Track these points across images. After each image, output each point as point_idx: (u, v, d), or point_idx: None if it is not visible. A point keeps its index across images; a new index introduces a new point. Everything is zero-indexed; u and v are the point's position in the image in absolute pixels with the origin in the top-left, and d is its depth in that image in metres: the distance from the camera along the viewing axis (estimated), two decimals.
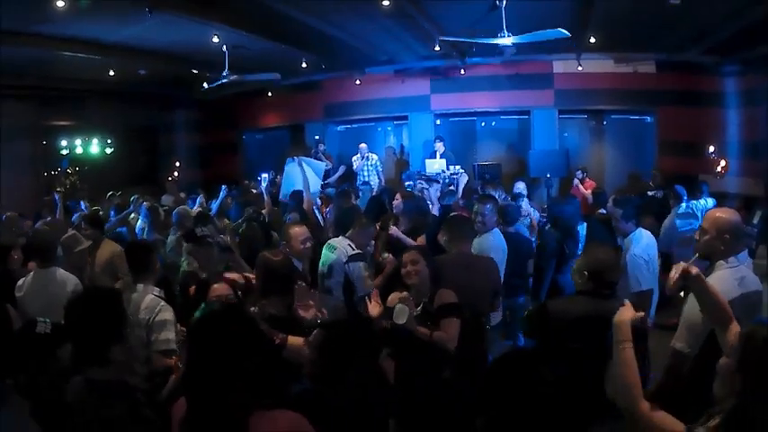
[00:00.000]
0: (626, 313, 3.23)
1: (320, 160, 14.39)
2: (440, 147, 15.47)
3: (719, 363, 2.76)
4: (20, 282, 5.80)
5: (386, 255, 7.22)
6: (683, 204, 9.38)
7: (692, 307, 3.91)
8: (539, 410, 2.51)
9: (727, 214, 4.34)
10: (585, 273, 4.56)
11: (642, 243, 6.30)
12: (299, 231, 6.24)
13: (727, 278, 4.13)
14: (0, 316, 3.81)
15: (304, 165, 10.51)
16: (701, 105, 14.96)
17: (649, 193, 12.10)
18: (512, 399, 2.57)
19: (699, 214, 8.99)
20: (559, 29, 9.14)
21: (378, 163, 16.04)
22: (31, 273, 5.86)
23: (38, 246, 6.04)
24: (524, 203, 10.02)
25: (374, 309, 4.68)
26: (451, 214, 7.99)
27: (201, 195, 12.15)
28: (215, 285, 4.99)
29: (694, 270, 3.44)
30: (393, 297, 4.93)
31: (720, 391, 2.70)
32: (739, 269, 4.22)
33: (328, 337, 3.75)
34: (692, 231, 6.67)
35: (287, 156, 12.87)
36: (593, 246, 5.17)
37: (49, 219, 10.22)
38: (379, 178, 15.78)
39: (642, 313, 3.35)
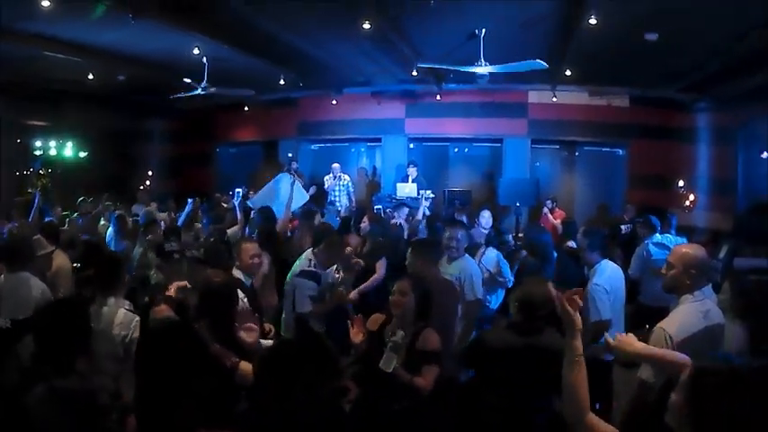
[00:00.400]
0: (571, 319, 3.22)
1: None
2: (412, 172, 15.57)
3: (671, 398, 2.79)
4: None
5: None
6: (657, 235, 9.51)
7: (655, 340, 4.03)
8: None
9: (693, 250, 4.45)
10: (516, 305, 4.70)
11: (605, 274, 6.36)
12: (249, 247, 6.21)
13: (692, 312, 4.25)
14: None
15: (295, 187, 10.53)
16: (672, 140, 15.30)
17: (621, 227, 12.23)
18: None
19: (671, 247, 9.12)
20: (537, 60, 9.33)
21: (349, 184, 16.07)
22: (1, 276, 5.83)
23: (9, 249, 6.00)
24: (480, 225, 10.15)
25: (356, 335, 4.68)
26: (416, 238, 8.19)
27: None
28: (156, 308, 4.76)
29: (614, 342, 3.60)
30: (374, 319, 5.03)
31: (672, 422, 2.76)
32: (704, 302, 4.35)
33: (271, 353, 3.57)
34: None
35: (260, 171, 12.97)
36: (528, 279, 5.30)
37: (17, 222, 10.06)
38: (349, 199, 15.80)
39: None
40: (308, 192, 12.42)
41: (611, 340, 3.59)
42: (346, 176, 16.18)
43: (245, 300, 5.39)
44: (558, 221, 14.17)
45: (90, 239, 9.35)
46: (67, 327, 3.36)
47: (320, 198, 15.04)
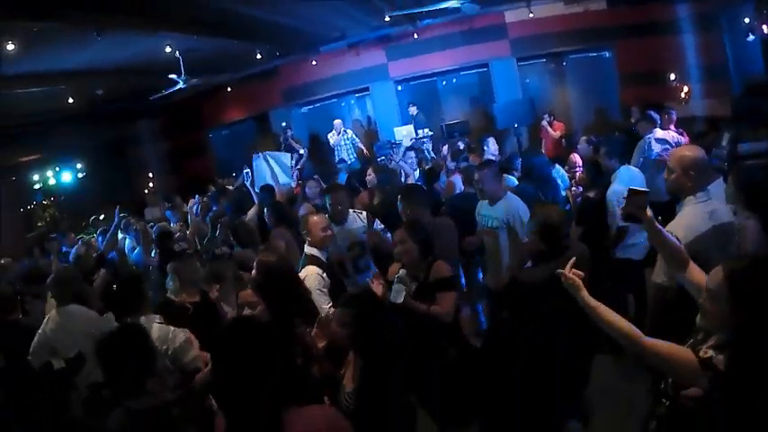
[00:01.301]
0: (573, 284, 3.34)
1: (290, 146, 14.45)
2: (413, 110, 15.80)
3: (700, 301, 2.93)
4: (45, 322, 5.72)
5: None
6: (658, 130, 9.47)
7: None
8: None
9: (690, 151, 4.46)
10: (536, 235, 4.73)
11: (624, 180, 6.42)
12: (317, 220, 5.93)
13: (697, 213, 4.28)
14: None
15: (269, 159, 10.54)
16: (657, 35, 15.03)
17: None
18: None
19: (672, 143, 9.10)
20: None
21: (354, 137, 16.15)
22: (53, 312, 5.79)
23: (62, 284, 5.92)
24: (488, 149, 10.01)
25: (378, 288, 4.76)
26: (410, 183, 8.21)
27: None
28: (242, 292, 5.04)
29: (647, 215, 3.59)
30: (392, 269, 5.15)
31: (703, 323, 2.90)
32: (709, 203, 4.36)
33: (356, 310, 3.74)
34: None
35: (252, 150, 12.96)
36: (540, 206, 5.26)
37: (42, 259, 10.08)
38: (355, 151, 15.94)
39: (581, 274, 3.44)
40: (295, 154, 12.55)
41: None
42: (349, 131, 16.27)
43: (324, 275, 5.36)
44: (558, 134, 14.17)
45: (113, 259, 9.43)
46: (133, 350, 3.41)
47: (322, 159, 15.00)
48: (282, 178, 10.78)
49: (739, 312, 2.67)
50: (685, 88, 14.02)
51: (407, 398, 3.54)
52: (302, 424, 2.62)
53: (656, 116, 9.79)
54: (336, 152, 15.85)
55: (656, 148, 9.02)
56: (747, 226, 4.37)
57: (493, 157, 10.26)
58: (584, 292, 3.24)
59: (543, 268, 4.45)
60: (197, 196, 10.96)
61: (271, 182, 10.14)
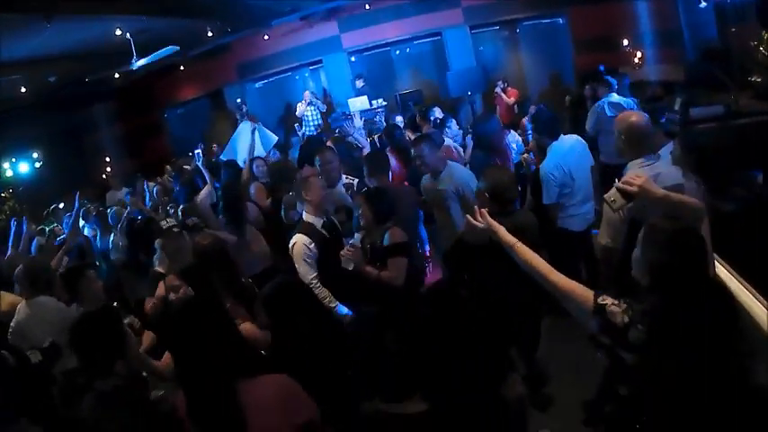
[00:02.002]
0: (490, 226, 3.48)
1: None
2: (359, 83, 15.88)
3: (633, 253, 3.12)
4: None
5: None
6: (614, 94, 9.56)
7: (607, 208, 4.22)
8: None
9: (632, 117, 4.77)
10: (486, 194, 4.86)
11: (555, 156, 6.48)
12: (319, 182, 6.03)
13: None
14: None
15: (257, 132, 10.53)
16: (609, 1, 15.10)
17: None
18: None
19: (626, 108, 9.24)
20: None
21: (320, 104, 16.46)
22: (22, 303, 5.85)
23: (31, 277, 5.94)
24: (451, 129, 10.01)
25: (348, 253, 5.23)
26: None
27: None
28: (168, 276, 5.19)
29: (638, 180, 3.62)
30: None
31: (636, 275, 3.08)
32: (654, 166, 4.61)
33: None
34: None
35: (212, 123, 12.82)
36: (491, 168, 5.42)
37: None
38: (320, 121, 16.21)
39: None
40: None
41: (635, 182, 3.62)
42: (318, 100, 16.52)
43: (312, 246, 5.49)
44: (512, 100, 14.32)
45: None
46: (104, 331, 3.53)
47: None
48: (259, 149, 10.74)
49: (652, 269, 2.91)
50: (639, 54, 14.17)
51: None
52: (256, 392, 2.79)
53: (613, 81, 9.91)
54: (303, 122, 16.12)
55: (610, 112, 9.16)
56: (689, 188, 4.57)
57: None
58: (502, 231, 3.38)
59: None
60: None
61: (243, 153, 10.12)
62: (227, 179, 9.37)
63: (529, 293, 4.16)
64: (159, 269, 6.18)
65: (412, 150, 7.11)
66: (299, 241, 5.48)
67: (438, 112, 10.93)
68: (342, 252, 5.24)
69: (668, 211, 3.44)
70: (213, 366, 2.77)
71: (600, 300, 2.90)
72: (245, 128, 11.21)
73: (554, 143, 6.58)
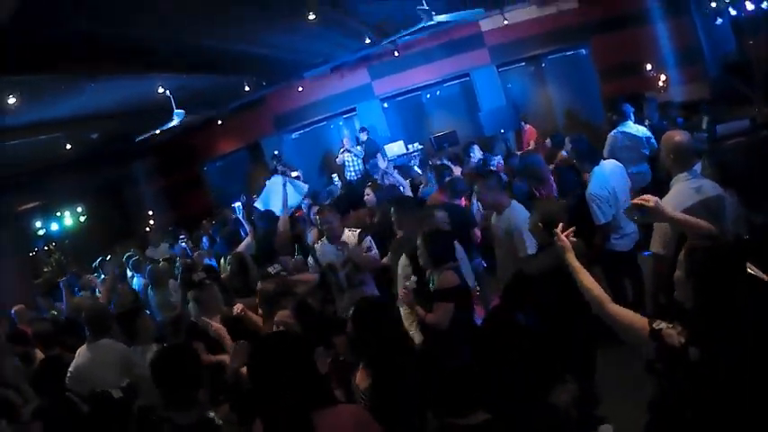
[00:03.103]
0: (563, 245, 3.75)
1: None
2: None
3: (675, 275, 3.21)
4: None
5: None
6: (629, 122, 9.63)
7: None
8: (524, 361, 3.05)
9: (675, 136, 4.99)
10: (540, 225, 4.97)
11: (598, 179, 6.68)
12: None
13: (684, 189, 4.75)
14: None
15: (288, 184, 10.73)
16: (629, 26, 15.35)
17: None
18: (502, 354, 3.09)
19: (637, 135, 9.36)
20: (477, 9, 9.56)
21: (360, 150, 16.39)
22: (83, 347, 6.00)
23: (94, 321, 6.12)
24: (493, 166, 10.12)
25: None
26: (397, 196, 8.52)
27: (184, 241, 12.39)
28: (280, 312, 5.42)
29: (651, 201, 3.86)
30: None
31: (680, 297, 3.16)
32: (696, 180, 4.81)
33: None
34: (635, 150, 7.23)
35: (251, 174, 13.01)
36: (540, 201, 5.63)
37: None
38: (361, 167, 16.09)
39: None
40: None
41: (648, 204, 3.84)
42: (357, 146, 16.52)
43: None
44: (532, 141, 14.36)
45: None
46: (185, 364, 3.72)
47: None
48: (293, 201, 10.92)
49: (696, 289, 2.97)
50: (663, 76, 14.30)
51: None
52: (331, 422, 2.90)
53: (628, 109, 9.90)
54: (345, 169, 16.28)
55: (621, 142, 9.27)
56: (729, 199, 4.77)
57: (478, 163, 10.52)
58: (572, 254, 3.64)
59: (545, 257, 4.77)
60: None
61: (277, 205, 10.34)
62: (263, 230, 9.53)
63: (583, 320, 4.26)
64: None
65: (475, 187, 7.11)
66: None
67: (477, 150, 11.10)
68: (399, 292, 5.45)
69: (678, 229, 3.67)
70: (292, 396, 2.90)
71: (655, 325, 2.99)
72: (275, 181, 11.34)
73: (595, 168, 6.78)
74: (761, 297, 2.81)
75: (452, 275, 5.22)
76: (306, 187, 11.97)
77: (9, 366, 6.63)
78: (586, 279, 3.48)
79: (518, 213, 6.41)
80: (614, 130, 9.54)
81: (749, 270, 2.82)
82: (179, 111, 11.94)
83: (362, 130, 16.68)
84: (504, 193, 6.75)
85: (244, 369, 4.52)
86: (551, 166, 9.41)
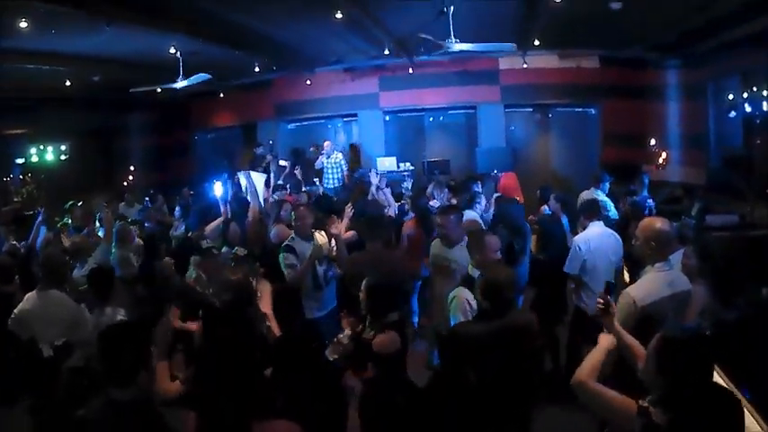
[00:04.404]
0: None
1: (276, 166, 14.53)
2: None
3: (643, 368, 3.26)
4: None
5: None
6: (599, 191, 10.30)
7: (622, 302, 4.51)
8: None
9: (655, 224, 4.81)
10: (481, 292, 4.80)
11: (585, 234, 7.03)
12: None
13: (657, 279, 4.64)
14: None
15: (252, 176, 10.64)
16: (643, 99, 15.59)
17: None
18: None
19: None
20: (507, 44, 9.61)
21: (342, 162, 15.76)
22: (32, 292, 5.93)
23: (48, 268, 6.08)
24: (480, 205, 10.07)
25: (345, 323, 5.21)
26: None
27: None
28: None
29: (606, 306, 3.88)
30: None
31: (644, 377, 3.19)
32: (670, 273, 4.73)
33: None
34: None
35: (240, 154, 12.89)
36: (489, 266, 5.33)
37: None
38: (342, 176, 15.56)
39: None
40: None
41: (603, 306, 3.87)
42: (339, 154, 15.91)
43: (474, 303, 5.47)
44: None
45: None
46: (135, 343, 3.60)
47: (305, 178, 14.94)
48: (263, 195, 10.84)
49: (664, 378, 3.01)
50: (664, 154, 14.43)
51: None
52: None
53: (605, 177, 10.75)
54: (324, 174, 15.63)
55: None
56: (696, 292, 4.75)
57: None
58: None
59: (483, 325, 4.64)
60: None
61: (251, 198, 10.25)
62: (234, 214, 9.46)
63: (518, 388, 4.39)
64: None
65: (437, 218, 7.15)
66: (460, 294, 5.44)
67: (478, 187, 11.04)
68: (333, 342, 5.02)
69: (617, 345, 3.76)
70: (238, 397, 2.88)
71: (641, 402, 3.04)
72: (242, 177, 11.48)
73: (590, 223, 7.06)
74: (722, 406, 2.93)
75: (392, 339, 4.82)
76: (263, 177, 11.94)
77: None
78: (596, 355, 3.57)
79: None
80: (585, 192, 10.07)
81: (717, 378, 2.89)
82: (198, 75, 11.89)
83: (352, 146, 16.72)
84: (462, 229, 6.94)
85: None
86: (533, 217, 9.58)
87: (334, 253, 7.10)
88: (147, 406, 3.56)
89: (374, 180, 10.20)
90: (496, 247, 5.96)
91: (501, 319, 4.54)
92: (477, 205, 9.11)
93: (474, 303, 5.22)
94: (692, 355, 2.97)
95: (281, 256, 6.93)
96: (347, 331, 5.05)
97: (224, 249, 7.71)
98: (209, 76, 12.09)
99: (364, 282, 5.19)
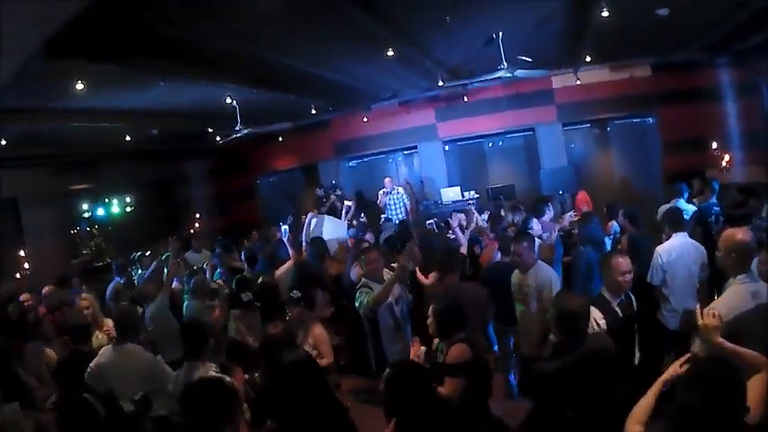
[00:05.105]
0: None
1: (336, 204, 14.58)
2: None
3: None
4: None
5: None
6: (682, 200, 9.93)
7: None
8: None
9: (737, 234, 4.66)
10: (555, 323, 4.63)
11: (668, 243, 6.84)
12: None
13: (740, 292, 4.48)
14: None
15: (325, 220, 10.68)
16: (699, 102, 15.24)
17: None
18: None
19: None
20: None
21: (404, 196, 15.86)
22: (108, 347, 6.04)
23: (123, 323, 6.14)
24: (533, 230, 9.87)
25: (414, 349, 5.25)
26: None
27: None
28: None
29: (709, 322, 3.81)
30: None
31: None
32: (753, 284, 4.55)
33: None
34: None
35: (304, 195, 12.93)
36: (563, 295, 5.21)
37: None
38: (406, 212, 15.67)
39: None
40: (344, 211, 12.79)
41: (702, 321, 3.81)
42: (400, 188, 16.06)
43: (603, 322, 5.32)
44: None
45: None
46: (217, 402, 3.55)
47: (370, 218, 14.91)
48: (330, 235, 10.84)
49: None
50: (727, 156, 14.14)
51: None
52: None
53: (684, 187, 10.39)
54: (387, 211, 15.67)
55: None
56: None
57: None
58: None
59: (559, 361, 4.48)
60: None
61: (327, 235, 10.26)
62: (314, 255, 9.60)
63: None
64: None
65: (512, 246, 7.10)
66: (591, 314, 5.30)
67: (549, 209, 10.82)
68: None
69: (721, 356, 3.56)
70: None
71: None
72: (311, 219, 11.59)
73: (674, 234, 6.87)
74: None
75: (462, 349, 4.93)
76: (343, 222, 11.97)
77: (34, 351, 6.68)
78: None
79: (547, 270, 6.79)
80: (665, 206, 9.43)
81: None
82: (245, 129, 12.07)
83: (387, 176, 16.59)
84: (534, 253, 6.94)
85: None
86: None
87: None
88: None
89: (454, 223, 10.07)
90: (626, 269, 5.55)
91: (576, 352, 4.38)
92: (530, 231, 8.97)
93: (602, 323, 5.07)
94: (712, 385, 2.85)
95: (357, 293, 6.99)
96: (423, 348, 5.25)
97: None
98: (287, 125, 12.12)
99: (431, 308, 5.24)
